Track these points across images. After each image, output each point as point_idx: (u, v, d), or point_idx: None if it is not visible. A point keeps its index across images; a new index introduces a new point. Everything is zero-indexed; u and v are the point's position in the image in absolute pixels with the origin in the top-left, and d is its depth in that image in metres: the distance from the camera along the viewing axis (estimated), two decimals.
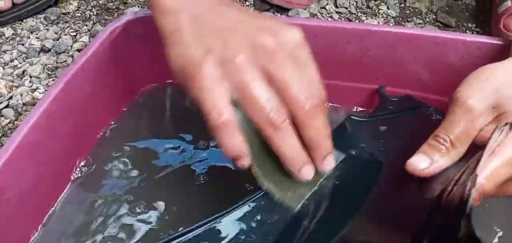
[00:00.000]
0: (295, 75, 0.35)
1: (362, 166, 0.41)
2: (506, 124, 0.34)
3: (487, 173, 0.32)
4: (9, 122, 0.57)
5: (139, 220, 0.42)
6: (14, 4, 0.72)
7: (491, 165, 0.32)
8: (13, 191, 0.38)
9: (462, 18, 0.72)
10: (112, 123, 0.51)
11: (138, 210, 0.42)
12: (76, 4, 0.76)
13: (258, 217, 0.36)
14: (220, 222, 0.35)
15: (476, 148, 0.35)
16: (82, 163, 0.46)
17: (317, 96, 0.36)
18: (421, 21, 0.72)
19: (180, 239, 0.33)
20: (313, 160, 0.37)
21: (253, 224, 0.35)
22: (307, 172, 0.37)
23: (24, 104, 0.59)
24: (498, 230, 0.41)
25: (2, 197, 0.37)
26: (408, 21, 0.72)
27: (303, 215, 0.37)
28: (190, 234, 0.34)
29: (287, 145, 0.36)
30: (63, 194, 0.44)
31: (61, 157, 0.44)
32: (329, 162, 0.38)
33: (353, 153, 0.41)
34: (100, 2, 0.77)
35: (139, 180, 0.45)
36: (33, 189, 0.40)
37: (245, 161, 0.36)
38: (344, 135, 0.44)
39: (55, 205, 0.43)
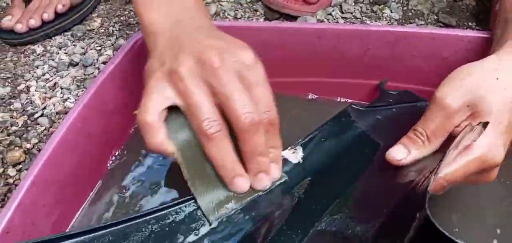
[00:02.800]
0: (238, 90, 0.37)
1: (358, 147, 0.45)
2: (479, 123, 0.37)
3: (458, 166, 0.36)
4: (44, 129, 0.63)
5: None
6: (43, 23, 0.79)
7: (463, 159, 0.36)
8: (55, 183, 0.44)
9: (463, 18, 0.76)
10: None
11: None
12: (99, 21, 0.82)
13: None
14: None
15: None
16: (115, 156, 0.52)
17: (261, 114, 0.38)
18: (423, 22, 0.76)
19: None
20: (248, 174, 0.39)
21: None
22: (240, 183, 0.39)
23: (57, 113, 0.65)
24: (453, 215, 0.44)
25: (45, 187, 0.43)
26: (411, 23, 0.76)
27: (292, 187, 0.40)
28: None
29: (220, 154, 0.38)
30: (99, 182, 0.50)
31: (95, 152, 0.49)
32: (260, 180, 0.39)
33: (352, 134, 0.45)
34: (122, 18, 0.83)
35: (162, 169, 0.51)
36: (72, 180, 0.46)
37: (169, 156, 0.39)
38: (345, 119, 0.48)
39: (93, 190, 0.49)
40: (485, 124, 0.37)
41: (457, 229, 0.43)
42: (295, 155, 0.43)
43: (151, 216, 0.38)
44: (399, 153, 0.39)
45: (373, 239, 0.35)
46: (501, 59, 0.40)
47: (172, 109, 0.39)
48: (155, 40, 0.43)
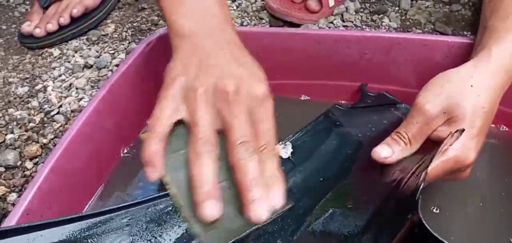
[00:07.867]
0: (242, 123, 0.38)
1: (341, 143, 0.48)
2: (457, 131, 0.40)
3: (435, 165, 0.40)
4: (60, 126, 0.67)
5: None
6: (60, 27, 0.83)
7: (440, 160, 0.40)
8: (71, 170, 0.48)
9: (458, 27, 0.79)
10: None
11: None
12: (113, 26, 0.87)
13: None
14: None
15: (432, 144, 0.42)
16: (127, 149, 0.55)
17: (259, 147, 0.38)
18: (420, 31, 0.79)
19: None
20: (242, 205, 0.37)
21: None
22: (209, 208, 0.36)
23: (72, 111, 0.69)
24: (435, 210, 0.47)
25: (62, 174, 0.47)
26: (408, 32, 0.79)
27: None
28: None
29: (199, 171, 0.37)
30: (111, 171, 0.54)
31: (108, 144, 0.53)
32: (255, 210, 0.36)
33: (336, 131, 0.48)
34: (134, 24, 0.87)
35: None
36: (87, 169, 0.49)
37: (152, 174, 0.39)
38: (328, 118, 0.52)
39: (106, 179, 0.53)
40: (462, 131, 0.40)
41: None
42: (285, 151, 0.46)
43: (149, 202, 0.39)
44: (384, 151, 0.42)
45: (361, 235, 0.37)
46: (476, 67, 0.44)
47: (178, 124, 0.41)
48: (182, 43, 0.44)
